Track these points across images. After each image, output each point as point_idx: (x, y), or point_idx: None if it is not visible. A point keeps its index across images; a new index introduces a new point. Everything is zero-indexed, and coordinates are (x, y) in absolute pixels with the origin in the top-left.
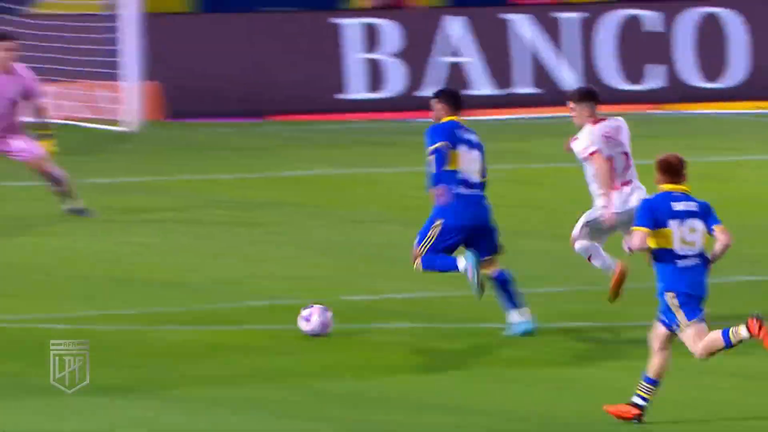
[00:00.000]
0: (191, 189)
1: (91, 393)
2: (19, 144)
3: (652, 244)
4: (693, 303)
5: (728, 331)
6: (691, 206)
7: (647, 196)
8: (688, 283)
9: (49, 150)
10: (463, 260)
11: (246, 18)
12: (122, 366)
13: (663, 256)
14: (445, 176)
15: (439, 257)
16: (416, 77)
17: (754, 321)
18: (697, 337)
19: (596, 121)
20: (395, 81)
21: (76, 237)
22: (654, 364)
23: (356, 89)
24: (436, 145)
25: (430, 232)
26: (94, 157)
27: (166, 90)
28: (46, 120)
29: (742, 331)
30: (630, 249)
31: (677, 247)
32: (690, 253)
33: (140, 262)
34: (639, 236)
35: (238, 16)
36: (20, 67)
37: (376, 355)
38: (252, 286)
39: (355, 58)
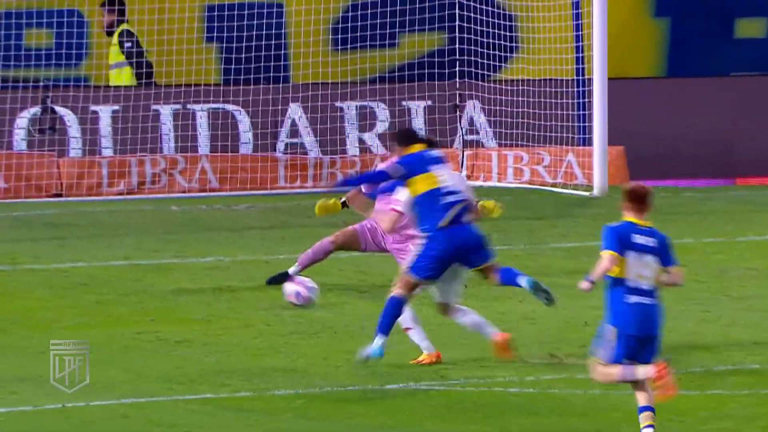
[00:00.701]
0: None
1: None
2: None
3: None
4: (630, 347)
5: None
6: (651, 241)
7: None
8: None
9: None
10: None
11: (713, 82)
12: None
13: (616, 285)
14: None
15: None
16: None
17: (662, 367)
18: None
19: None
20: None
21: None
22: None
23: None
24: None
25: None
26: (562, 221)
27: (629, 154)
28: None
29: (640, 371)
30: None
31: (631, 278)
32: (643, 287)
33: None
34: (608, 259)
35: (705, 80)
36: None
37: None
38: (722, 351)
39: None
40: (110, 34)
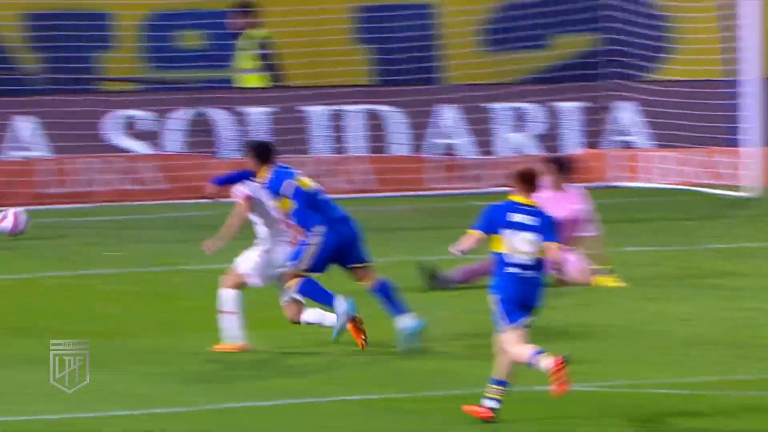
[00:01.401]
0: None
1: None
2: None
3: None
4: (516, 309)
5: (539, 354)
6: (531, 220)
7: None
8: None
9: (611, 284)
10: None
11: None
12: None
13: (497, 258)
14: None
15: (320, 290)
16: None
17: (559, 361)
18: (513, 342)
19: None
20: None
21: (694, 302)
22: (498, 365)
23: None
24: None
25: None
26: (715, 222)
27: None
28: (598, 252)
29: (543, 363)
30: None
31: (508, 253)
32: (521, 261)
33: (760, 326)
34: (470, 238)
35: None
36: (575, 191)
37: None
38: None
39: None
40: (240, 37)
